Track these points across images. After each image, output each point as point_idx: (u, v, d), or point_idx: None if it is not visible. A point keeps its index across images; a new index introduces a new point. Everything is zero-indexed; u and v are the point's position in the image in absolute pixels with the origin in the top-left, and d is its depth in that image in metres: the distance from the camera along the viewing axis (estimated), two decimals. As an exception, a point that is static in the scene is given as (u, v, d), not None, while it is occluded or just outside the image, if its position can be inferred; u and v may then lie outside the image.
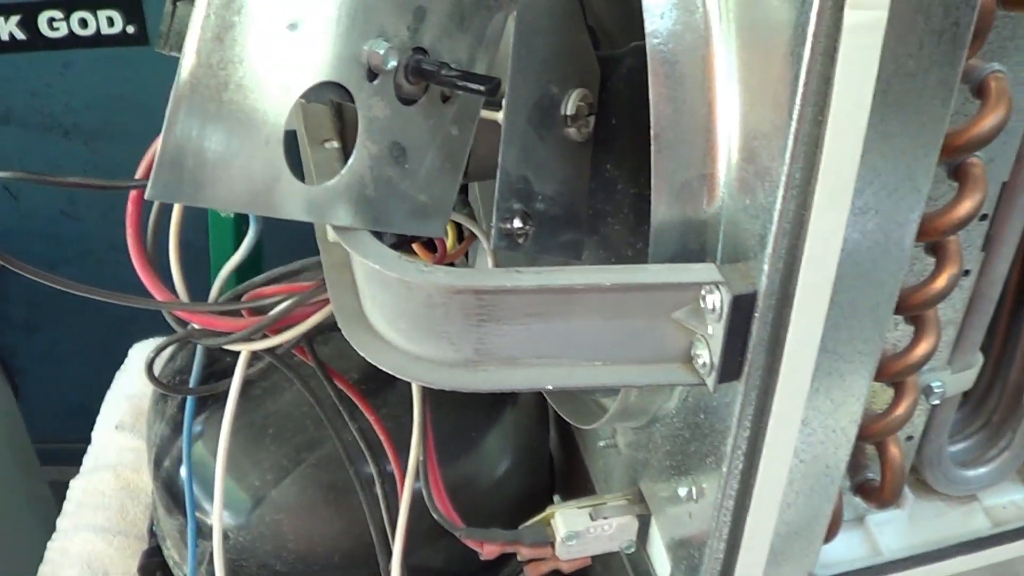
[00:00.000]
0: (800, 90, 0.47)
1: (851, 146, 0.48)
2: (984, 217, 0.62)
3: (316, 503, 0.81)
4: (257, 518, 0.81)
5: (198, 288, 0.77)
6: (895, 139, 0.50)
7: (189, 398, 0.81)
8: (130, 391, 1.50)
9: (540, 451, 0.94)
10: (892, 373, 0.62)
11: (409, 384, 0.75)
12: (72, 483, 1.41)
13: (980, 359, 0.70)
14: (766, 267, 0.51)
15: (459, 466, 0.83)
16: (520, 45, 0.59)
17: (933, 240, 0.58)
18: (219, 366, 0.86)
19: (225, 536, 0.81)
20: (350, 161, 0.55)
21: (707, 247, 0.56)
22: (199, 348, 0.81)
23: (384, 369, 0.56)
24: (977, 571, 1.00)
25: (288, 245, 0.83)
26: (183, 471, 0.84)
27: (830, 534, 0.69)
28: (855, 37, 0.45)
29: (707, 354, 0.54)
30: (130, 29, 2.12)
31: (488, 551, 0.73)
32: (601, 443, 0.81)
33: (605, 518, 0.73)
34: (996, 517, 0.77)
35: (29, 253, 2.51)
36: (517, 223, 0.62)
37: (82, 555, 1.29)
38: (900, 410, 0.64)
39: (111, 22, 2.11)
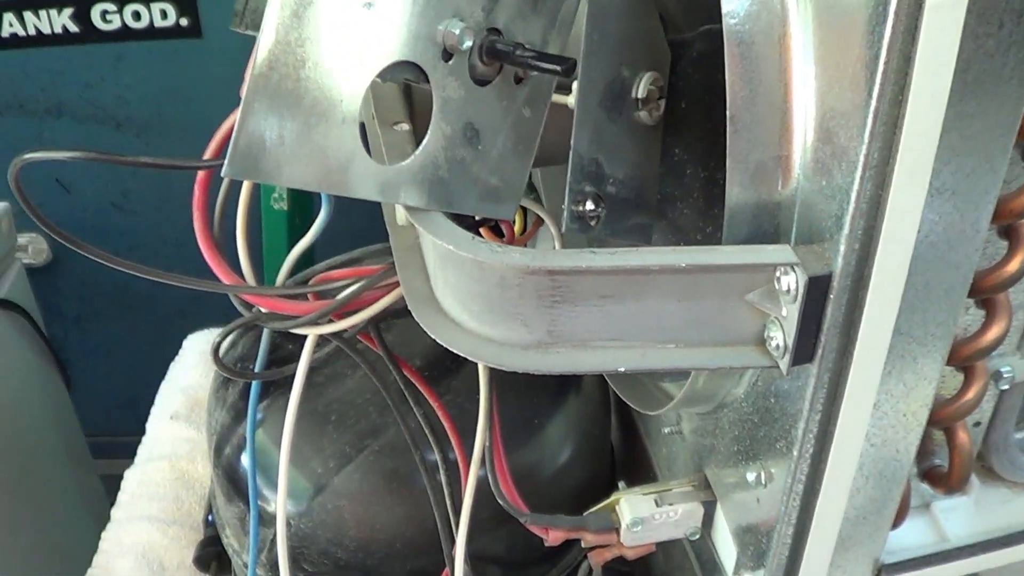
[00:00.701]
0: (880, 68, 0.46)
1: (931, 126, 0.48)
2: None
3: (378, 490, 0.81)
4: (319, 505, 0.82)
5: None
6: (973, 120, 0.49)
7: (254, 383, 0.81)
8: (185, 382, 1.51)
9: (603, 438, 0.94)
10: (963, 357, 0.61)
11: (473, 371, 0.76)
12: (127, 474, 1.42)
13: None
14: (842, 248, 0.51)
15: (523, 453, 0.83)
16: (592, 27, 0.59)
17: (1007, 223, 0.58)
18: (280, 353, 0.86)
19: (287, 523, 0.82)
20: (424, 141, 0.55)
21: (781, 229, 0.56)
22: (265, 333, 0.81)
23: (456, 351, 0.56)
24: None
25: (336, 237, 0.83)
26: (245, 458, 0.84)
27: (898, 520, 0.68)
28: (937, 16, 0.45)
29: (781, 336, 0.54)
30: (184, 22, 2.14)
31: (554, 537, 0.73)
32: (666, 430, 0.81)
33: (671, 504, 0.73)
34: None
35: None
36: (589, 205, 0.62)
37: (137, 545, 1.30)
38: (970, 395, 0.64)
39: (164, 15, 2.13)
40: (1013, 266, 0.58)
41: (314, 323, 0.68)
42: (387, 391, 0.79)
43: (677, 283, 0.54)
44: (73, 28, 2.30)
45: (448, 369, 0.82)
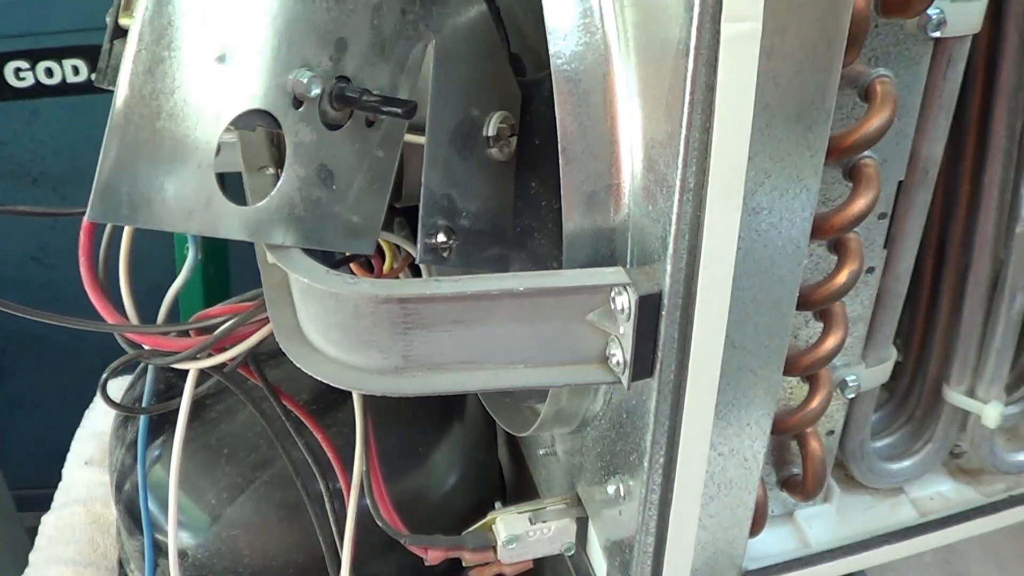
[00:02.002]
0: (687, 99, 0.50)
1: (738, 149, 0.52)
2: (884, 216, 0.66)
3: (269, 519, 0.84)
4: (214, 535, 0.84)
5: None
6: (781, 142, 0.53)
7: (143, 418, 0.84)
8: (99, 427, 1.53)
9: (489, 463, 0.97)
10: (803, 367, 0.65)
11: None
12: (44, 519, 1.43)
13: (894, 353, 0.73)
14: (669, 267, 0.54)
15: (407, 480, 0.86)
16: (439, 72, 0.63)
17: (832, 237, 0.62)
18: (175, 392, 0.88)
19: (184, 554, 0.84)
20: (279, 183, 0.59)
21: (617, 253, 0.60)
22: (150, 370, 0.84)
23: (320, 379, 0.59)
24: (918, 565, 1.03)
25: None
26: (140, 489, 0.87)
27: (756, 527, 0.72)
28: (733, 48, 0.49)
29: (620, 353, 0.58)
30: (95, 77, 2.17)
31: (432, 556, 0.76)
32: (541, 451, 0.84)
33: (544, 521, 0.76)
34: (923, 508, 0.81)
35: (3, 298, 2.52)
36: (441, 238, 0.65)
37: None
38: (815, 403, 0.68)
39: (76, 71, 2.15)
40: (841, 278, 0.62)
41: (193, 358, 0.71)
42: (269, 424, 0.82)
43: (520, 307, 0.57)
44: (-13, 87, 2.30)
45: (334, 401, 0.84)
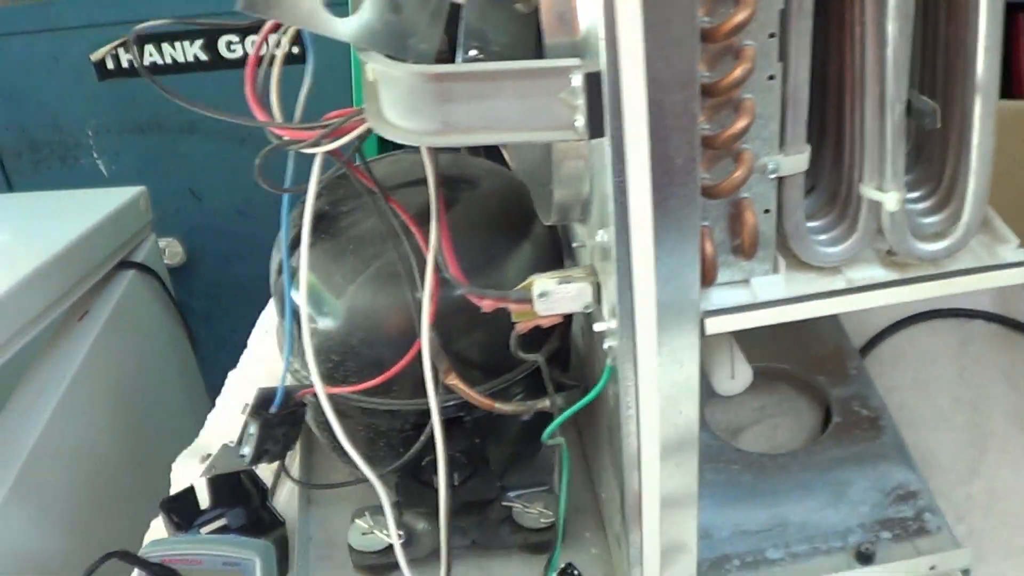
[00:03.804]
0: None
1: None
2: (773, 35, 0.92)
3: (379, 294, 1.17)
4: (339, 309, 1.17)
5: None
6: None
7: (285, 196, 1.17)
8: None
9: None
10: (721, 142, 0.94)
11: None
12: (229, 374, 1.79)
13: (807, 148, 0.99)
14: (603, 53, 0.84)
15: (483, 275, 1.15)
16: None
17: (722, 44, 0.90)
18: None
19: (315, 324, 1.19)
20: (363, 5, 0.91)
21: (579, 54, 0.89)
22: (290, 156, 1.16)
23: (392, 139, 0.91)
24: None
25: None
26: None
27: (707, 277, 1.00)
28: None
29: (582, 119, 0.87)
30: (295, 50, 2.57)
31: (487, 305, 1.05)
32: (575, 244, 1.15)
33: (569, 283, 1.05)
34: (854, 283, 1.06)
35: (210, 247, 2.93)
36: (473, 53, 0.96)
37: (238, 421, 1.66)
38: (738, 173, 0.96)
39: (278, 44, 2.55)
40: (737, 72, 0.90)
41: (316, 144, 1.04)
42: (382, 222, 1.15)
43: (516, 87, 0.87)
44: (203, 57, 2.71)
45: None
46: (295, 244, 1.22)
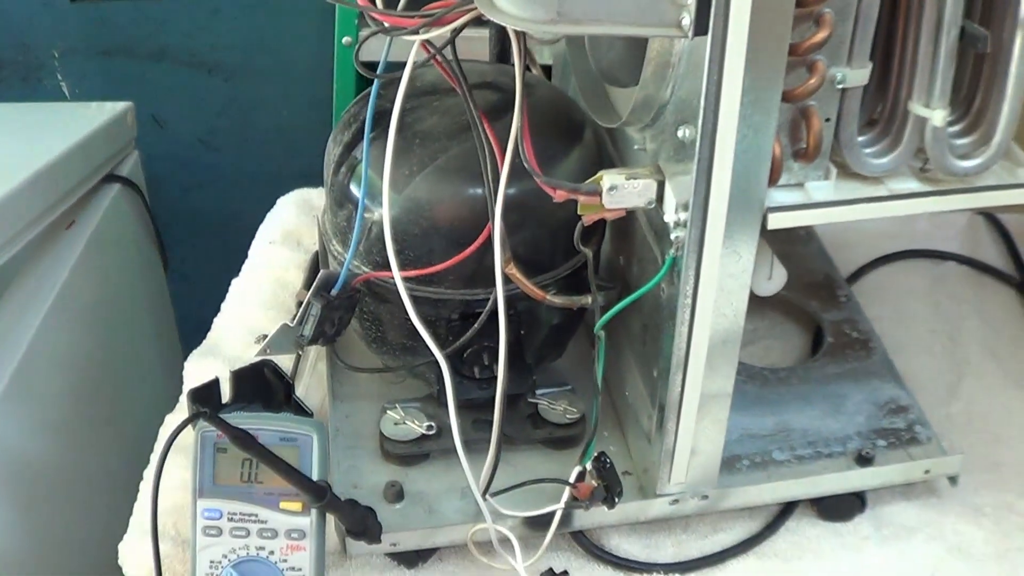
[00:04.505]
0: None
1: None
2: None
3: (444, 183, 1.24)
4: (405, 197, 1.22)
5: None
6: None
7: (375, 81, 1.22)
8: (283, 215, 1.95)
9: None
10: (802, 51, 1.03)
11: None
12: (232, 282, 1.83)
13: (870, 64, 1.09)
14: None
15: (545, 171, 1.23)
16: None
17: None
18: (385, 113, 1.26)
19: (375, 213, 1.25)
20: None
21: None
22: (387, 42, 1.20)
23: (504, 24, 0.97)
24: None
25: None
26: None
27: (774, 176, 1.09)
28: None
29: (688, 18, 0.94)
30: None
31: (559, 195, 1.13)
32: (636, 147, 1.23)
33: (636, 179, 1.13)
34: (895, 192, 1.16)
35: (171, 175, 2.94)
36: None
37: (244, 322, 1.72)
38: (813, 80, 1.05)
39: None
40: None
41: (416, 32, 1.10)
42: (450, 117, 1.22)
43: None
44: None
45: (502, 110, 1.22)
46: (355, 140, 1.28)
